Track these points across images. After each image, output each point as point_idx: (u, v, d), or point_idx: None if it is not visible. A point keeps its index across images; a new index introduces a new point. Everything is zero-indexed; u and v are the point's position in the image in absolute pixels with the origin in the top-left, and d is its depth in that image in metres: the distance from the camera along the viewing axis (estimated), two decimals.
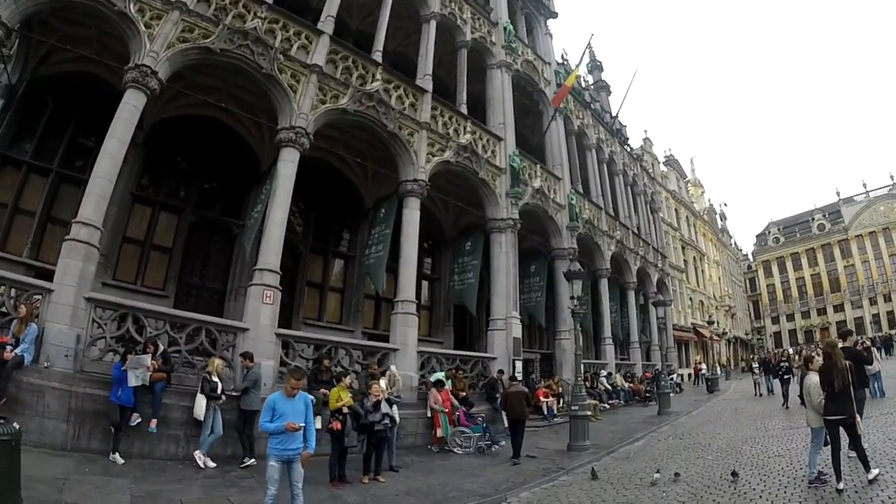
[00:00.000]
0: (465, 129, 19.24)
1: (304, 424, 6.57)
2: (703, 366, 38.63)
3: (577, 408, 13.80)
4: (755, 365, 26.30)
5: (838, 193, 78.41)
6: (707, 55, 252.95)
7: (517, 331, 19.04)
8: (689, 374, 42.18)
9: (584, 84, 35.81)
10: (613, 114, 37.28)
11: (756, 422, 16.52)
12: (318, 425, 8.73)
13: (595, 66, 42.62)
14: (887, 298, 69.20)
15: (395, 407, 11.56)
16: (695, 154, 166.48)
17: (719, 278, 63.51)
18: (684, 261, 51.64)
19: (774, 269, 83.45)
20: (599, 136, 31.59)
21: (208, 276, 17.35)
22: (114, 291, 13.13)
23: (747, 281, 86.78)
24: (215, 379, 10.22)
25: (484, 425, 14.28)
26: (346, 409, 9.96)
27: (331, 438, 9.77)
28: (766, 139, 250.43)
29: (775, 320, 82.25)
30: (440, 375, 15.15)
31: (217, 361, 10.71)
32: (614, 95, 41.85)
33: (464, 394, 15.54)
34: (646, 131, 52.58)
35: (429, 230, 22.87)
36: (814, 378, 8.24)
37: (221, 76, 14.82)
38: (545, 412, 18.84)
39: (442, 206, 23.13)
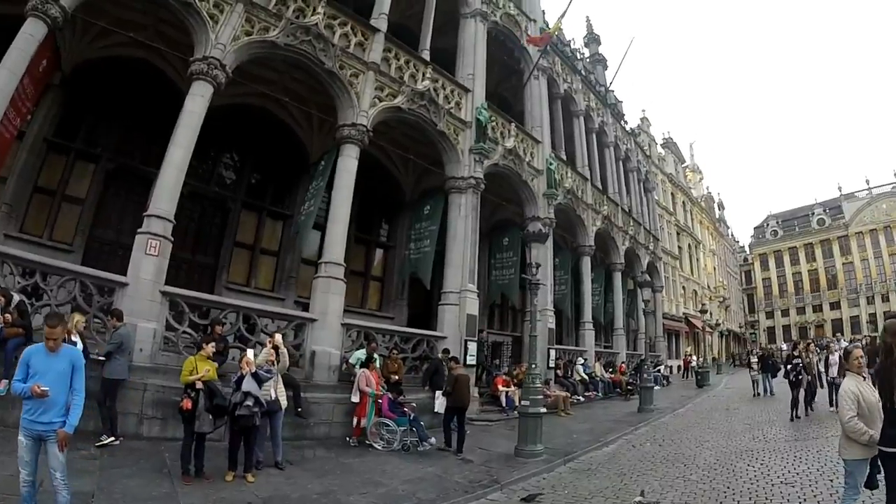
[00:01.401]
0: (424, 75, 16.28)
1: (61, 391, 4.91)
2: (694, 358, 35.43)
3: (527, 403, 10.73)
4: (753, 360, 22.98)
5: (840, 189, 75.94)
6: (712, 43, 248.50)
7: (473, 307, 15.96)
8: (679, 367, 39.27)
9: (578, 55, 32.48)
10: (609, 88, 34.22)
11: (753, 428, 13.59)
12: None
13: (592, 40, 39.64)
14: (885, 298, 66.61)
15: (279, 386, 8.79)
16: (694, 140, 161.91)
17: (714, 268, 60.36)
18: (678, 247, 48.50)
19: (771, 262, 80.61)
20: (589, 103, 28.43)
21: (125, 232, 14.36)
22: (17, 244, 11.53)
23: (743, 273, 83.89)
24: (74, 339, 7.90)
25: (411, 417, 11.27)
26: (199, 385, 7.60)
27: (182, 421, 7.69)
28: (768, 130, 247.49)
29: (769, 315, 79.70)
30: (360, 354, 12.19)
31: (77, 317, 8.56)
32: (611, 70, 38.75)
33: (396, 377, 12.58)
34: (643, 111, 48.29)
35: (387, 193, 20.36)
36: (852, 385, 5.07)
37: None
38: (503, 403, 16.07)
39: (402, 165, 20.28)
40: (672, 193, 49.88)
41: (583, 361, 21.83)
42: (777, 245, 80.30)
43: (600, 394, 21.73)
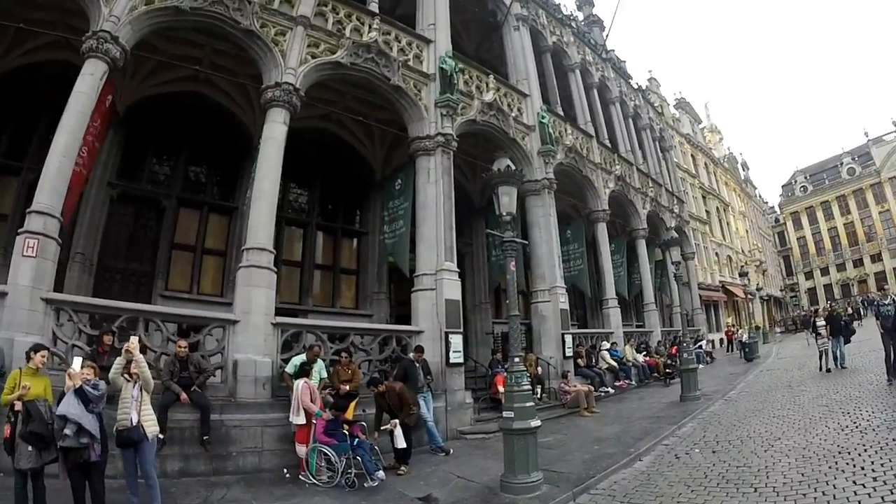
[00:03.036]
0: (370, 27, 13.37)
1: None
2: (739, 329, 31.00)
3: (510, 415, 7.13)
4: (820, 322, 16.82)
5: (867, 134, 70.23)
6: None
7: (453, 290, 12.46)
8: (721, 340, 35.08)
9: (571, 18, 28.70)
10: (609, 48, 30.53)
11: (834, 411, 9.80)
12: None
13: (585, 2, 36.02)
14: None
15: (144, 407, 6.23)
16: (709, 100, 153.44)
17: (747, 231, 55.72)
18: (706, 211, 44.24)
19: (804, 220, 75.10)
20: (586, 58, 24.61)
21: None
22: None
23: (776, 235, 78.51)
24: None
25: (355, 442, 8.08)
26: (17, 406, 5.65)
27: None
28: (783, 83, 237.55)
29: (808, 275, 74.23)
30: (299, 360, 9.29)
31: None
32: (609, 33, 35.11)
33: (347, 388, 9.39)
34: (650, 71, 44.32)
35: (355, 174, 17.23)
36: None
37: None
38: None
39: (367, 139, 17.26)
40: (692, 155, 45.64)
41: (608, 346, 18.04)
42: (808, 201, 74.65)
43: (634, 381, 17.96)
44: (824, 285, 71.49)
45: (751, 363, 23.11)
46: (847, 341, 16.23)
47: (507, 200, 8.25)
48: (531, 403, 7.34)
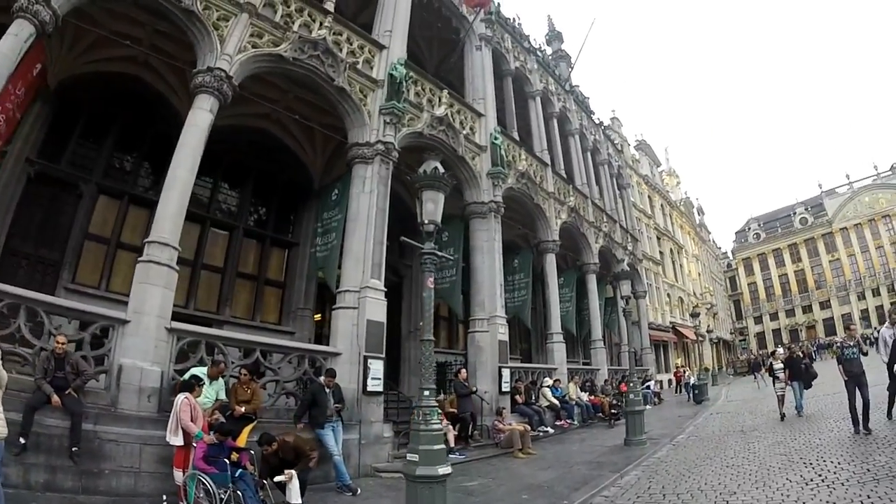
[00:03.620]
0: (320, 24, 12.41)
1: None
2: (687, 370, 30.07)
3: (413, 457, 5.99)
4: (777, 365, 15.55)
5: (820, 186, 73.05)
6: (681, 45, 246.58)
7: (377, 311, 11.32)
8: (670, 381, 34.38)
9: (539, 52, 28.16)
10: (574, 83, 30.14)
11: (794, 461, 8.73)
12: None
13: (554, 37, 35.68)
14: (876, 293, 62.89)
15: None
16: (669, 144, 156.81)
17: (699, 274, 55.73)
18: (660, 252, 43.86)
19: (756, 266, 76.28)
20: (548, 87, 24.09)
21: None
22: None
23: (727, 280, 79.27)
24: None
25: (237, 473, 6.78)
26: None
27: None
28: (742, 134, 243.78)
29: (758, 320, 75.20)
30: (197, 372, 8.17)
31: None
32: (576, 70, 34.98)
33: (243, 409, 8.24)
34: (613, 111, 44.34)
35: (291, 180, 16.06)
36: None
37: None
38: None
39: (308, 144, 16.05)
40: (650, 196, 45.42)
41: (550, 382, 16.89)
42: (760, 248, 76.09)
43: (576, 422, 16.79)
44: (773, 330, 72.18)
45: (700, 405, 22.27)
46: (807, 386, 14.92)
47: (431, 207, 7.03)
48: (441, 446, 6.09)
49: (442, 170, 7.42)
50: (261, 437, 7.66)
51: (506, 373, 14.51)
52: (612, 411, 17.64)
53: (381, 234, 12.00)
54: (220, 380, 8.43)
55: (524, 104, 22.17)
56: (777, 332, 71.15)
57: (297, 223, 16.17)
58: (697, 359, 38.47)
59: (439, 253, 7.43)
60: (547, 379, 16.95)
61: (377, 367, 10.84)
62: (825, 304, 67.51)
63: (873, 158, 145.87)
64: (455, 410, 12.92)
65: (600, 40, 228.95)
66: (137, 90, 12.93)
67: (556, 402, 16.24)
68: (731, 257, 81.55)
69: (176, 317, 9.00)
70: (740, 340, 72.38)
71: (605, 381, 21.22)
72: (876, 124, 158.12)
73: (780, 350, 20.55)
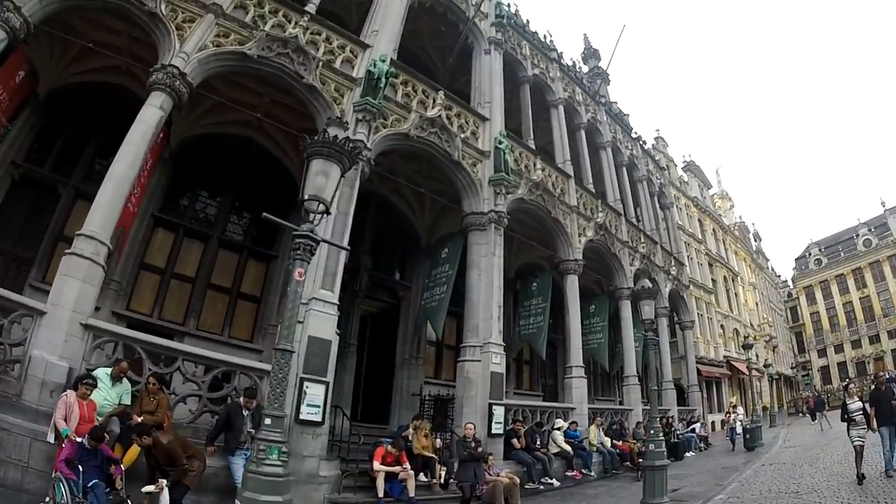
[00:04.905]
0: (295, 23, 11.79)
1: None
2: (740, 411, 26.35)
3: None
4: (854, 404, 10.76)
5: (883, 204, 65.79)
6: (733, 66, 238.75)
7: (323, 327, 9.59)
8: (723, 422, 30.74)
9: (576, 68, 26.18)
10: (612, 100, 27.94)
11: None
12: None
13: (590, 55, 34.08)
14: None
15: None
16: (720, 165, 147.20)
17: (756, 304, 51.48)
18: (712, 280, 40.36)
19: (818, 294, 70.32)
20: (574, 96, 21.96)
21: None
22: None
23: (788, 310, 73.60)
24: None
25: (91, 482, 6.08)
26: None
27: None
28: (798, 154, 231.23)
29: (822, 353, 68.73)
30: (102, 373, 7.62)
31: None
32: (613, 86, 32.67)
33: (140, 419, 7.48)
34: (658, 130, 41.10)
35: (277, 189, 14.39)
36: None
37: None
38: (381, 492, 9.34)
39: (294, 152, 14.46)
40: (700, 220, 42.11)
41: (563, 424, 14.21)
42: (822, 274, 70.03)
43: (593, 472, 13.96)
44: (838, 363, 65.84)
45: (751, 452, 18.99)
46: None
47: (321, 182, 5.67)
48: (277, 498, 4.67)
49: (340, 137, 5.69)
50: (135, 426, 7.11)
51: (498, 411, 12.04)
52: (641, 460, 14.78)
53: (341, 240, 10.37)
54: (126, 382, 7.77)
55: (546, 112, 20.15)
56: (843, 365, 64.86)
57: (281, 236, 14.53)
58: (754, 396, 34.61)
59: (318, 237, 5.87)
60: (559, 421, 14.27)
61: (316, 393, 9.00)
62: (893, 333, 60.86)
63: None
64: (427, 453, 10.61)
65: (649, 61, 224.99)
66: (125, 100, 11.98)
67: (567, 448, 13.57)
68: (792, 286, 75.95)
69: (137, 325, 9.76)
70: (803, 375, 66.86)
71: (638, 423, 18.28)
72: None
73: (853, 385, 15.90)
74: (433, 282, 14.44)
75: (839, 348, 66.45)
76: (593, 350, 19.66)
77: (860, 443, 10.15)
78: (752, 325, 47.31)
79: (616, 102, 28.27)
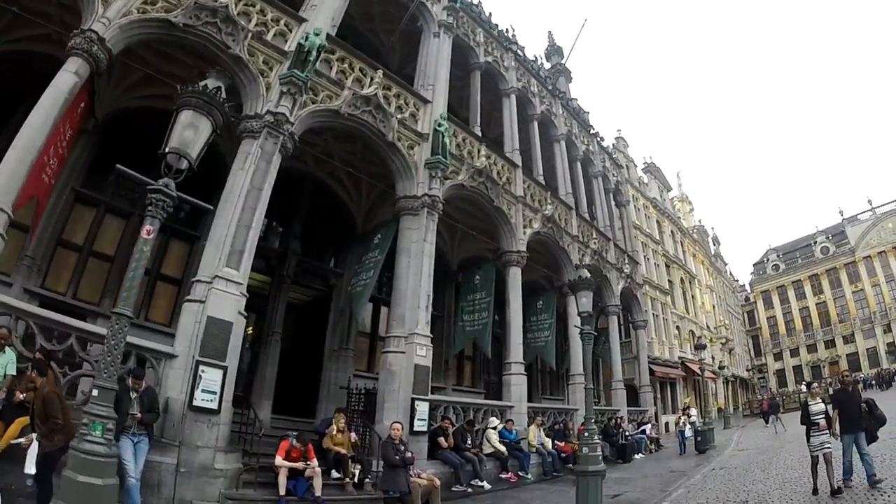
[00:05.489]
0: None
1: None
2: (694, 412, 25.79)
3: None
4: (816, 406, 9.57)
5: (842, 213, 67.87)
6: (696, 71, 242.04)
7: (225, 308, 8.79)
8: (677, 423, 30.36)
9: (538, 65, 25.53)
10: (572, 97, 27.56)
11: None
12: None
13: (554, 51, 33.96)
14: None
15: None
16: (681, 169, 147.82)
17: (713, 306, 51.60)
18: (669, 281, 40.19)
19: (775, 299, 71.59)
20: (529, 87, 21.29)
21: None
22: None
23: (745, 314, 74.60)
24: None
25: None
26: None
27: None
28: (758, 162, 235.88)
29: (778, 356, 70.11)
30: None
31: None
32: (575, 83, 32.34)
33: (23, 397, 6.61)
34: (619, 130, 40.66)
35: (207, 165, 12.70)
36: None
37: None
38: (283, 490, 8.59)
39: (226, 131, 12.98)
40: (658, 221, 41.96)
41: (497, 423, 13.45)
42: (780, 280, 71.41)
43: (530, 475, 13.23)
44: (794, 367, 67.25)
45: (703, 455, 18.49)
46: (872, 438, 9.15)
47: (188, 135, 5.30)
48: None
49: (224, 93, 5.71)
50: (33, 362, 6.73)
51: (422, 407, 11.19)
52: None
53: (260, 218, 9.91)
54: (10, 352, 6.83)
55: (497, 102, 19.53)
56: (798, 369, 66.20)
57: (208, 216, 13.45)
58: (709, 398, 34.41)
59: (175, 193, 5.25)
60: (493, 419, 13.48)
61: (213, 378, 8.25)
62: (849, 339, 62.52)
63: None
64: (341, 450, 9.76)
65: (611, 64, 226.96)
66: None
67: (501, 448, 12.79)
68: (749, 290, 77.06)
69: (50, 304, 9.16)
70: (759, 378, 67.63)
71: (582, 424, 17.62)
72: None
73: (816, 385, 14.12)
74: (361, 267, 13.62)
75: (795, 352, 67.77)
76: (540, 348, 19.01)
77: (827, 450, 8.93)
78: (708, 327, 47.36)
79: (576, 99, 27.83)
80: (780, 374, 68.41)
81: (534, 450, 14.08)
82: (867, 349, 59.71)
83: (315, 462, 9.01)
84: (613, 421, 19.66)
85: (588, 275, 10.82)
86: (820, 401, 9.69)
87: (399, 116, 13.14)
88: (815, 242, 68.58)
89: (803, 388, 8.64)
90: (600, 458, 9.63)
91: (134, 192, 5.78)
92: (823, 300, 66.03)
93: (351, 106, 12.01)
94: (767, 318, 72.15)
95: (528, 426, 14.58)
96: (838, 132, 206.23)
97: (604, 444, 17.61)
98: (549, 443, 14.92)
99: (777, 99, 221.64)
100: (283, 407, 13.47)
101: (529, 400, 19.32)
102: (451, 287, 18.80)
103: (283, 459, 8.76)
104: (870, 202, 65.28)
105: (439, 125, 13.74)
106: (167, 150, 5.15)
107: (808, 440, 9.37)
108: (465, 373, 19.93)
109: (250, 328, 14.74)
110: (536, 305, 19.54)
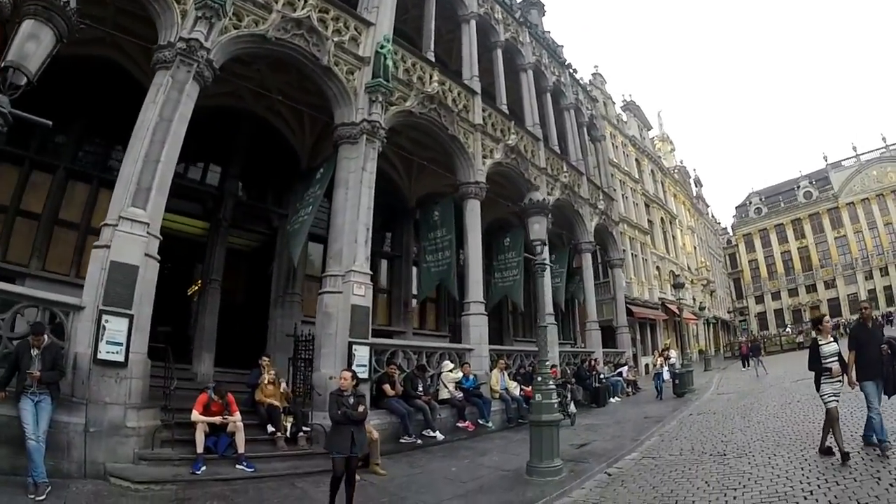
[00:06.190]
0: None
1: None
2: (674, 354, 25.11)
3: None
4: (829, 347, 7.58)
5: (826, 158, 67.68)
6: (682, 12, 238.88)
7: (130, 251, 7.92)
8: (656, 364, 29.82)
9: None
10: (546, 29, 26.04)
11: None
12: None
13: None
14: (884, 272, 58.89)
15: None
16: (662, 108, 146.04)
17: (695, 248, 51.07)
18: (649, 221, 39.36)
19: (757, 242, 71.67)
20: (493, 13, 19.65)
21: None
22: None
23: (727, 257, 74.66)
24: None
25: None
26: None
27: None
28: (744, 104, 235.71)
29: (759, 299, 70.78)
30: None
31: None
32: (552, 19, 30.67)
33: None
34: (596, 66, 39.10)
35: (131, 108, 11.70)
36: None
37: None
38: (200, 447, 7.89)
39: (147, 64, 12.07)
40: (637, 160, 40.86)
41: (451, 367, 12.53)
42: (762, 223, 71.37)
43: (491, 423, 12.29)
44: (775, 310, 68.16)
45: (680, 399, 17.82)
46: (893, 390, 7.41)
47: (30, 48, 4.55)
48: None
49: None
50: None
51: (361, 351, 10.17)
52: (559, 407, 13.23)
53: (168, 148, 8.71)
54: None
55: (457, 29, 18.10)
56: (779, 312, 67.19)
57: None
58: (690, 339, 33.97)
59: (8, 109, 4.40)
60: (447, 363, 12.55)
61: (117, 328, 7.53)
62: (830, 284, 63.40)
63: (881, 129, 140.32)
64: (273, 401, 8.88)
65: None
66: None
67: (456, 395, 11.90)
68: (732, 233, 76.89)
69: None
70: (740, 321, 68.00)
71: (554, 366, 16.82)
72: (885, 94, 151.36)
73: (829, 319, 11.85)
74: (301, 204, 12.45)
75: (776, 295, 68.30)
76: (508, 287, 18.13)
77: (835, 402, 7.25)
78: (689, 268, 46.86)
79: (549, 32, 26.36)
80: (762, 316, 68.98)
81: (497, 396, 13.24)
82: (848, 295, 60.30)
83: (238, 416, 8.10)
84: (587, 363, 18.96)
85: (540, 197, 9.67)
86: (832, 339, 7.73)
87: (336, 39, 11.76)
88: (799, 187, 68.51)
89: (816, 319, 6.90)
90: (555, 405, 8.67)
91: None
92: (805, 245, 66.39)
93: (280, 30, 10.72)
94: (749, 262, 72.32)
95: (491, 370, 13.72)
96: (825, 76, 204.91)
97: (577, 387, 16.98)
98: (514, 388, 14.07)
99: (764, 41, 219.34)
100: (228, 359, 12.60)
101: (501, 343, 18.61)
102: (409, 224, 17.88)
103: (201, 414, 7.83)
104: (854, 149, 65.26)
105: (381, 47, 12.36)
106: (2, 63, 4.38)
107: (817, 388, 7.61)
108: (427, 316, 19.02)
109: (198, 283, 13.71)
110: (503, 243, 18.61)
